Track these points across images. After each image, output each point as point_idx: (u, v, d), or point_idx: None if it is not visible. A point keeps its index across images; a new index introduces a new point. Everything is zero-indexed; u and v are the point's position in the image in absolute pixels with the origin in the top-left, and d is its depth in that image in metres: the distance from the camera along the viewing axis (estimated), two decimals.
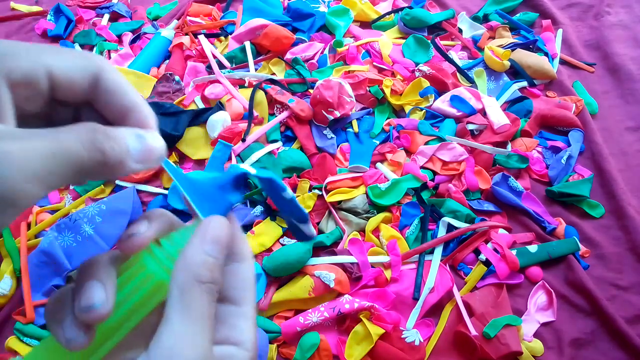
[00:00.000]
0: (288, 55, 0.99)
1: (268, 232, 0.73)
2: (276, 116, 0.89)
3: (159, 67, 1.02)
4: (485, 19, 1.12)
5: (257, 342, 0.21)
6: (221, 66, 0.98)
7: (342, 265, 0.70)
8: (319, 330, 0.65)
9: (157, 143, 0.20)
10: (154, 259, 0.21)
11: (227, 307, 0.21)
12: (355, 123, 0.88)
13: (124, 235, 0.20)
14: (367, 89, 0.91)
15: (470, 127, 0.87)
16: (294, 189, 0.79)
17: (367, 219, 0.75)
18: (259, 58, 1.01)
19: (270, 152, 0.83)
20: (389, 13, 1.12)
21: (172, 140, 0.85)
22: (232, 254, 0.22)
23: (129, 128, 0.19)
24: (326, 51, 1.02)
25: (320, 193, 0.77)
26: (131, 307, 0.20)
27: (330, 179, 0.78)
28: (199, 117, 0.88)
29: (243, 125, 0.86)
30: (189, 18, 1.10)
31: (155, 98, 0.92)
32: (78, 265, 0.70)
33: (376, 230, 0.75)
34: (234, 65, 1.00)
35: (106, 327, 0.19)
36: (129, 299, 0.20)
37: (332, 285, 0.66)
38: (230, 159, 0.83)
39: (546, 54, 1.01)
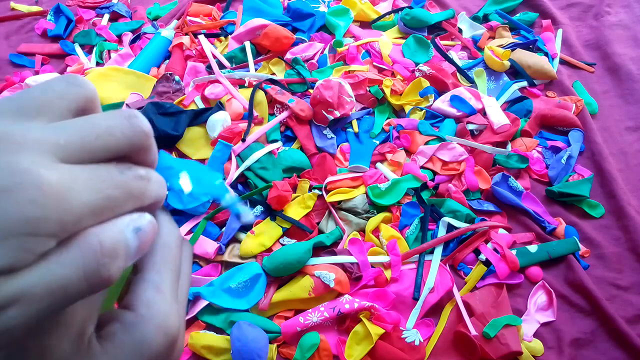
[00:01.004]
0: (288, 55, 0.99)
1: (268, 232, 0.73)
2: (276, 116, 0.89)
3: (159, 67, 1.02)
4: (485, 19, 1.12)
5: (172, 306, 0.18)
6: (221, 66, 0.98)
7: (342, 265, 0.70)
8: (319, 330, 0.65)
9: (152, 227, 0.17)
10: None
11: (136, 281, 0.18)
12: (355, 123, 0.88)
13: None
14: (367, 89, 0.91)
15: (470, 127, 0.87)
16: (294, 189, 0.79)
17: (367, 219, 0.75)
18: (259, 58, 1.01)
19: (270, 152, 0.83)
20: (389, 13, 1.12)
21: (172, 140, 0.85)
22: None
23: (125, 221, 0.16)
24: (326, 51, 1.02)
25: (320, 193, 0.77)
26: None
27: (330, 179, 0.78)
28: (199, 117, 0.88)
29: (243, 125, 0.86)
30: (189, 18, 1.11)
31: (155, 98, 0.92)
32: None
33: (376, 230, 0.75)
34: (234, 65, 1.00)
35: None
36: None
37: (332, 285, 0.66)
38: (230, 159, 0.83)
39: (546, 54, 1.01)
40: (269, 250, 0.72)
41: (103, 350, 0.16)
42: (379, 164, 0.83)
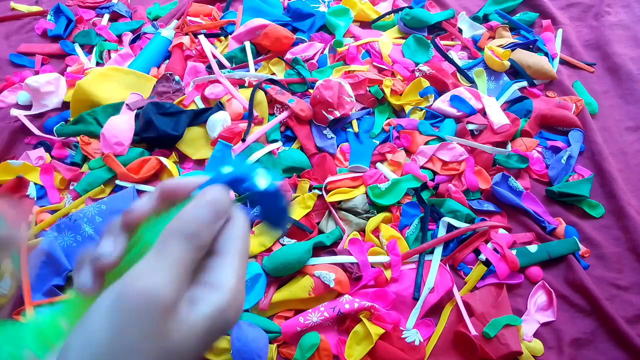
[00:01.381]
0: (288, 55, 0.99)
1: (268, 232, 0.73)
2: (276, 116, 0.89)
3: (159, 67, 1.02)
4: (485, 19, 1.12)
5: (241, 289, 0.22)
6: (221, 66, 0.98)
7: (342, 265, 0.70)
8: (319, 330, 0.65)
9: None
10: (151, 230, 0.23)
11: (211, 259, 0.22)
12: (355, 123, 0.88)
13: (126, 210, 0.23)
14: (367, 89, 0.91)
15: (470, 127, 0.87)
16: (294, 189, 0.79)
17: (367, 219, 0.75)
18: (259, 58, 1.01)
19: (270, 152, 0.83)
20: (389, 13, 1.12)
21: (172, 140, 0.85)
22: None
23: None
24: (326, 51, 1.02)
25: (320, 193, 0.77)
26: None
27: (330, 179, 0.78)
28: (199, 117, 0.88)
29: (243, 125, 0.86)
30: (189, 18, 1.11)
31: (155, 98, 0.92)
32: None
33: (376, 230, 0.75)
34: (234, 65, 1.00)
35: (114, 278, 0.21)
36: (131, 260, 0.22)
37: (332, 285, 0.66)
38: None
39: (546, 54, 1.01)
40: (269, 250, 0.72)
41: (188, 311, 0.20)
42: (379, 164, 0.83)
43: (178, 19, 1.13)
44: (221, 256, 0.22)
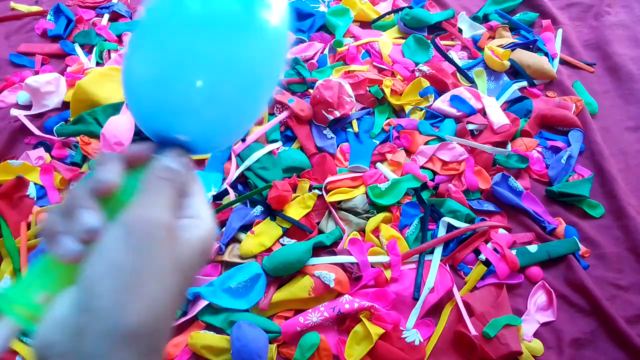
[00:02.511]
0: (288, 55, 0.99)
1: (268, 232, 0.73)
2: (276, 116, 0.89)
3: None
4: (485, 19, 1.12)
5: (213, 218, 0.27)
6: None
7: (342, 265, 0.70)
8: (319, 330, 0.65)
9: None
10: (128, 184, 0.26)
11: (186, 200, 0.27)
12: (355, 123, 0.88)
13: (95, 181, 0.25)
14: (367, 88, 0.91)
15: (470, 127, 0.87)
16: (294, 189, 0.79)
17: (367, 219, 0.75)
18: None
19: (270, 152, 0.83)
20: (389, 13, 1.12)
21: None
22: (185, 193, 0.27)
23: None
24: (326, 51, 1.02)
25: (320, 193, 0.77)
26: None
27: (330, 179, 0.78)
28: None
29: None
30: None
31: None
32: None
33: (376, 230, 0.75)
34: None
35: (111, 215, 0.24)
36: (118, 205, 0.25)
37: (332, 285, 0.66)
38: (230, 159, 0.83)
39: (546, 54, 1.01)
40: (269, 250, 0.72)
41: (184, 234, 0.24)
42: (379, 164, 0.83)
43: None
44: (193, 197, 0.27)
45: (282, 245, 0.72)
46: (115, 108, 0.90)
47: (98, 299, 0.21)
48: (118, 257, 0.22)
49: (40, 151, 0.86)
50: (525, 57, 0.97)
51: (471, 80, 0.97)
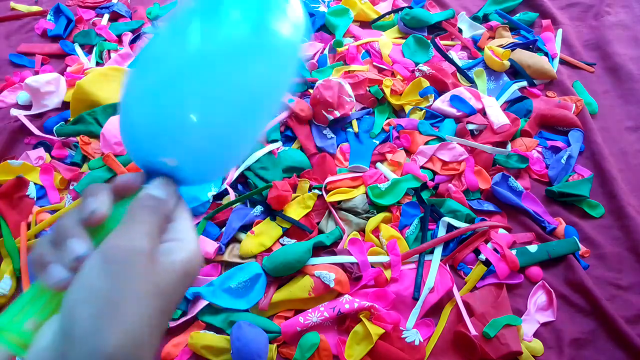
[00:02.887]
0: None
1: (268, 232, 0.73)
2: (276, 116, 0.89)
3: None
4: (485, 19, 1.12)
5: (198, 242, 0.27)
6: None
7: (342, 265, 0.70)
8: (319, 330, 0.65)
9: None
10: (115, 213, 0.26)
11: (171, 225, 0.27)
12: (355, 123, 0.88)
13: (84, 212, 0.25)
14: (367, 88, 0.91)
15: (470, 127, 0.87)
16: (294, 189, 0.79)
17: (367, 219, 0.75)
18: None
19: (270, 152, 0.83)
20: (388, 13, 1.12)
21: None
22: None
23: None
24: (326, 51, 1.02)
25: (320, 193, 0.77)
26: None
27: (330, 178, 0.78)
28: None
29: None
30: None
31: None
32: None
33: (376, 230, 0.75)
34: None
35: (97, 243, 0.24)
36: (104, 234, 0.25)
37: (332, 285, 0.66)
38: None
39: (546, 54, 1.01)
40: (269, 250, 0.72)
41: (166, 258, 0.25)
42: (379, 164, 0.83)
43: None
44: (177, 220, 0.27)
45: (282, 245, 0.72)
46: (115, 108, 0.90)
47: (77, 324, 0.21)
48: (96, 283, 0.22)
49: (40, 151, 0.86)
50: (525, 57, 0.97)
51: (471, 80, 0.97)
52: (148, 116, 0.27)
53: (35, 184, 0.82)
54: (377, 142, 0.86)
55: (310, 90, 0.91)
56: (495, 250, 0.71)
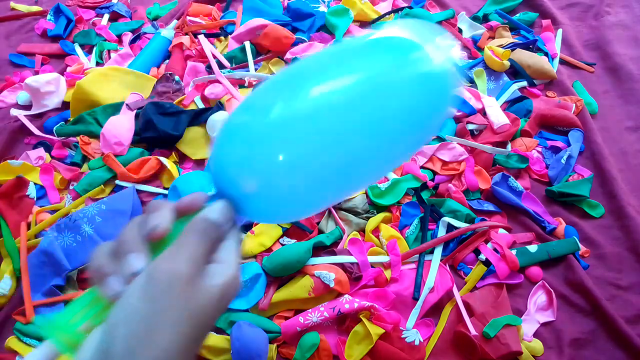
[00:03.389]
0: (288, 55, 0.99)
1: (268, 232, 0.73)
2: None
3: (159, 67, 1.02)
4: (485, 19, 1.12)
5: (239, 266, 0.27)
6: (221, 66, 0.98)
7: (342, 265, 0.70)
8: (319, 330, 0.65)
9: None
10: (174, 231, 0.27)
11: (220, 244, 0.28)
12: None
13: (146, 226, 0.27)
14: None
15: (470, 127, 0.87)
16: None
17: (367, 218, 0.75)
18: (259, 58, 1.01)
19: None
20: (388, 13, 1.12)
21: (172, 140, 0.85)
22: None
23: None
24: None
25: None
26: None
27: None
28: (199, 117, 0.88)
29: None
30: (188, 18, 1.10)
31: (155, 98, 0.92)
32: (78, 265, 0.70)
33: (376, 230, 0.75)
34: (234, 65, 1.00)
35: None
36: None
37: (332, 285, 0.66)
38: None
39: (546, 54, 1.01)
40: (269, 250, 0.72)
41: (207, 281, 0.25)
42: None
43: (178, 19, 1.13)
44: (227, 242, 0.28)
45: (282, 245, 0.72)
46: (115, 108, 0.90)
47: (115, 343, 0.22)
48: (136, 304, 0.23)
49: (40, 151, 0.86)
50: (525, 57, 0.97)
51: (471, 80, 0.97)
52: (248, 141, 0.27)
53: (35, 184, 0.82)
54: None
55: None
56: (495, 250, 0.71)
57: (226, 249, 0.27)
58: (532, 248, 0.72)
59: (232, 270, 0.27)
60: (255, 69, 1.00)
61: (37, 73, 1.03)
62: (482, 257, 0.71)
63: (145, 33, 1.09)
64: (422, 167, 0.81)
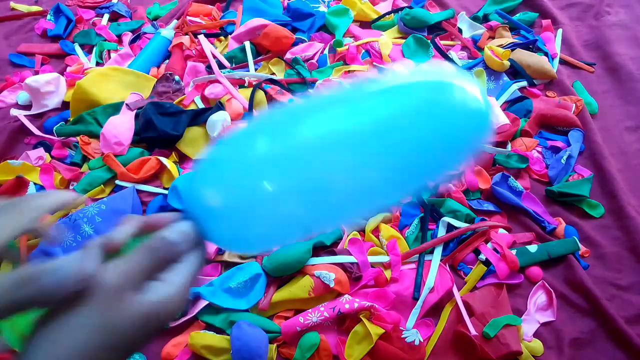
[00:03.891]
0: (288, 55, 0.99)
1: None
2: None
3: (158, 67, 1.02)
4: (485, 19, 1.12)
5: (185, 291, 0.27)
6: (221, 66, 0.98)
7: (342, 265, 0.70)
8: (319, 330, 0.65)
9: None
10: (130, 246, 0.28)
11: (172, 266, 0.28)
12: None
13: (107, 236, 0.27)
14: None
15: None
16: None
17: (367, 218, 0.75)
18: (259, 58, 1.01)
19: None
20: (388, 13, 1.12)
21: (172, 140, 0.85)
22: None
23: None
24: (326, 51, 1.02)
25: None
26: None
27: None
28: (199, 117, 0.88)
29: (243, 125, 0.86)
30: (188, 18, 1.10)
31: (155, 98, 0.92)
32: None
33: (376, 230, 0.75)
34: (233, 65, 1.00)
35: None
36: None
37: (332, 285, 0.66)
38: None
39: (546, 54, 1.01)
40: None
41: (138, 297, 0.25)
42: None
43: (178, 19, 1.13)
44: (179, 264, 0.27)
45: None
46: (115, 108, 0.90)
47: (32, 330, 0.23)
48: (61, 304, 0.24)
49: (40, 151, 0.86)
50: (525, 57, 0.97)
51: None
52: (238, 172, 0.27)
53: (35, 184, 0.82)
54: None
55: (311, 91, 0.91)
56: (495, 250, 0.71)
57: (176, 270, 0.27)
58: (532, 248, 0.72)
59: (172, 291, 0.26)
60: (255, 69, 1.00)
61: (37, 73, 1.03)
62: (482, 257, 0.71)
63: (145, 33, 1.09)
64: None
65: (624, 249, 0.74)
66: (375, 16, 1.11)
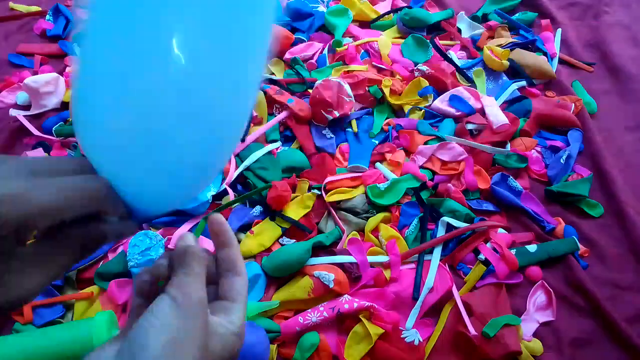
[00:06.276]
0: (287, 55, 0.99)
1: (267, 232, 0.73)
2: (275, 116, 0.89)
3: None
4: (484, 19, 1.12)
5: (244, 334, 0.30)
6: None
7: (341, 265, 0.70)
8: (319, 330, 0.65)
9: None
10: None
11: (225, 302, 0.30)
12: (354, 123, 0.88)
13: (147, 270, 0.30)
14: (367, 88, 0.91)
15: (469, 126, 0.87)
16: (293, 189, 0.79)
17: (367, 218, 0.75)
18: None
19: (270, 152, 0.83)
20: (388, 13, 1.12)
21: None
22: (232, 267, 0.32)
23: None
24: (325, 51, 1.02)
25: (320, 193, 0.77)
26: None
27: (329, 178, 0.78)
28: None
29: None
30: None
31: None
32: (77, 266, 0.70)
33: (375, 230, 0.75)
34: None
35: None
36: None
37: (331, 285, 0.66)
38: (229, 159, 0.83)
39: (545, 54, 1.01)
40: (269, 250, 0.72)
41: (220, 319, 0.29)
42: (378, 164, 0.83)
43: None
44: (234, 302, 0.30)
45: (282, 245, 0.72)
46: None
47: (146, 351, 0.23)
48: (168, 320, 0.25)
49: (40, 151, 0.86)
50: (524, 56, 0.97)
51: (470, 80, 0.97)
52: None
53: None
54: (377, 142, 0.86)
55: (310, 90, 0.91)
56: (494, 250, 0.71)
57: (230, 308, 0.30)
58: (532, 248, 0.72)
59: (236, 329, 0.29)
60: None
61: (36, 73, 1.03)
62: (482, 256, 0.71)
63: None
64: (421, 167, 0.81)
65: (624, 248, 0.74)
66: (375, 16, 1.11)
